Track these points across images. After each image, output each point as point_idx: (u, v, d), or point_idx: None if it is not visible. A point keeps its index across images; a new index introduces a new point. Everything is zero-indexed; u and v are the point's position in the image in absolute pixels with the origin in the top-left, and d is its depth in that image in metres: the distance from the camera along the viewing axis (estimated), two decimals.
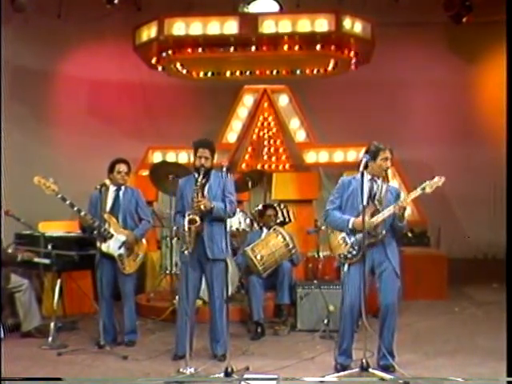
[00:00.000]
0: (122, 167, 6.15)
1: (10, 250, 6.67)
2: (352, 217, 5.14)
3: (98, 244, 5.94)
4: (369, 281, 5.16)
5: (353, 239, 5.13)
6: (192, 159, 5.76)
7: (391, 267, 5.15)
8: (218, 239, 5.52)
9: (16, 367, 5.24)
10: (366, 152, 5.22)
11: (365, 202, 5.08)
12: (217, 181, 5.57)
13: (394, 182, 8.43)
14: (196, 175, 5.54)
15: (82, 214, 5.92)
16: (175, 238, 7.39)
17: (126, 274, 6.09)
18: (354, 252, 5.12)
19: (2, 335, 6.12)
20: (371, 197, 5.15)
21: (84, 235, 6.33)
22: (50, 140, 10.55)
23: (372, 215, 5.08)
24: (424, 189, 5.02)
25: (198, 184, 5.45)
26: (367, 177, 5.18)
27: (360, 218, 5.02)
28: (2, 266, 6.28)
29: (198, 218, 5.35)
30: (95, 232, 5.94)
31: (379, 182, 5.22)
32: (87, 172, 8.91)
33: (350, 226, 5.12)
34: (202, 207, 5.37)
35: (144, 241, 6.30)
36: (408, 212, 7.86)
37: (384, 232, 5.10)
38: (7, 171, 7.87)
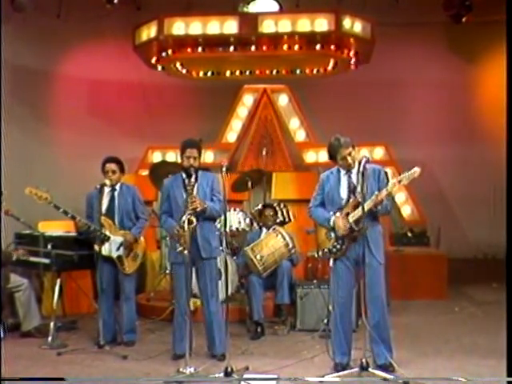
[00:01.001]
0: (109, 166, 6.12)
1: (9, 249, 6.68)
2: (333, 212, 5.16)
3: (97, 247, 5.94)
4: (356, 275, 5.18)
5: (336, 233, 5.15)
6: None
7: (377, 262, 5.13)
8: (210, 238, 5.59)
9: (16, 367, 5.25)
10: (328, 150, 5.31)
11: (345, 197, 5.15)
12: (205, 181, 5.60)
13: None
14: (184, 175, 5.56)
15: (77, 219, 5.93)
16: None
17: (127, 274, 6.09)
18: (338, 246, 5.15)
19: (2, 335, 6.12)
20: (351, 190, 5.17)
21: (81, 237, 6.31)
22: (49, 140, 10.54)
23: (354, 208, 5.09)
24: (400, 181, 5.01)
25: (191, 184, 5.47)
26: (342, 171, 5.22)
27: (338, 217, 5.10)
28: (1, 265, 6.29)
29: (194, 219, 5.35)
30: (91, 235, 5.96)
31: (355, 171, 5.17)
32: (87, 172, 8.87)
33: (332, 224, 5.15)
34: (198, 207, 5.38)
35: (142, 239, 6.30)
36: (408, 212, 7.95)
37: (365, 226, 5.05)
38: (7, 171, 7.86)
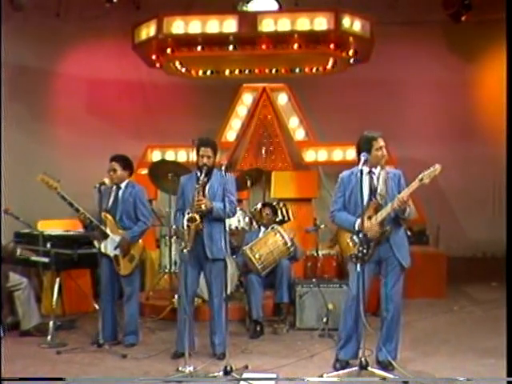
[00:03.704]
0: (111, 165, 6.07)
1: (11, 246, 6.69)
2: (356, 215, 5.05)
3: (96, 244, 5.93)
4: (374, 276, 5.15)
5: (361, 237, 5.03)
6: (191, 158, 5.76)
7: (396, 262, 5.11)
8: (217, 238, 5.53)
9: (15, 366, 5.24)
10: (357, 144, 5.18)
11: (366, 199, 5.04)
12: (218, 180, 5.57)
13: None
14: (198, 174, 5.53)
15: (80, 212, 5.91)
16: (174, 237, 7.39)
17: (123, 275, 6.02)
18: (365, 251, 5.02)
19: (2, 334, 6.12)
20: (372, 192, 5.09)
21: (85, 233, 6.29)
22: (49, 139, 10.54)
23: (375, 211, 5.02)
24: (422, 180, 4.92)
25: (200, 183, 5.45)
26: (365, 170, 5.10)
27: (365, 220, 4.98)
28: (1, 263, 6.29)
29: (197, 217, 5.34)
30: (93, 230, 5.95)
31: (377, 172, 5.13)
32: (86, 171, 8.92)
33: (357, 228, 5.04)
34: (203, 207, 5.38)
35: (140, 241, 6.14)
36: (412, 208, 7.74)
37: (389, 227, 5.03)
38: (6, 170, 7.87)
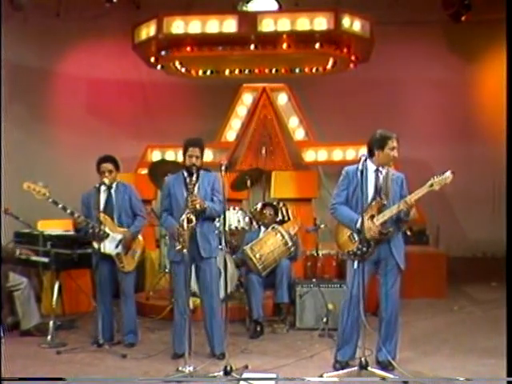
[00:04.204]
0: (105, 166, 6.06)
1: (10, 246, 6.69)
2: (358, 213, 5.01)
3: (95, 245, 5.93)
4: (371, 275, 5.14)
5: (361, 236, 5.01)
6: None
7: (394, 262, 5.11)
8: (210, 238, 5.58)
9: (15, 366, 5.23)
10: (370, 141, 5.14)
11: (370, 197, 5.03)
12: (206, 180, 5.59)
13: None
14: (185, 174, 5.55)
15: (76, 216, 5.91)
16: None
17: (126, 272, 6.07)
18: (364, 249, 5.00)
19: (2, 334, 6.11)
20: (377, 190, 5.07)
21: (79, 235, 6.30)
22: (48, 139, 10.54)
23: (378, 210, 5.00)
24: (432, 186, 4.88)
25: (193, 183, 5.46)
26: (372, 168, 5.09)
27: (367, 219, 4.97)
28: (1, 263, 6.28)
29: (193, 218, 5.35)
30: (90, 232, 5.92)
31: (384, 172, 5.10)
32: (86, 171, 8.87)
33: (359, 226, 5.00)
34: (198, 206, 5.38)
35: (140, 237, 6.22)
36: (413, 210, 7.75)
37: (392, 229, 5.02)
38: (6, 170, 7.86)
